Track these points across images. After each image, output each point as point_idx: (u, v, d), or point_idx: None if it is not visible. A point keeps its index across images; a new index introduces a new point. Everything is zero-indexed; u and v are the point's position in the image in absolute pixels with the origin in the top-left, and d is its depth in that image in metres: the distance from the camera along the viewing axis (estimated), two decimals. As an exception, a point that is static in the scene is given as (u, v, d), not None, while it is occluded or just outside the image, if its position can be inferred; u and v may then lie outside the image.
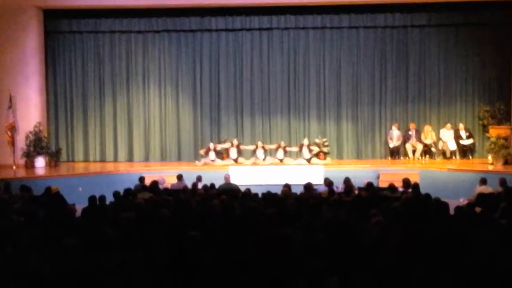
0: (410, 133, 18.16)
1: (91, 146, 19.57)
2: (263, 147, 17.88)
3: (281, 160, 17.62)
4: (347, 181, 12.41)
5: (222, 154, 18.64)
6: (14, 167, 17.48)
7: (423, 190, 11.19)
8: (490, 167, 16.12)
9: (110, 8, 18.53)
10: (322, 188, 12.13)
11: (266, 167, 17.04)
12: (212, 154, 17.79)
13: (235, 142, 18.01)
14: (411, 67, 19.08)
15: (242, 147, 18.15)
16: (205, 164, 17.53)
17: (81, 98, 19.48)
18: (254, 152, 17.95)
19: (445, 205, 8.86)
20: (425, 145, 18.04)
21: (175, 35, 19.44)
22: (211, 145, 17.99)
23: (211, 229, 7.24)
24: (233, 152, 17.81)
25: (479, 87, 18.99)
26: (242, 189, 12.07)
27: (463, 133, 17.99)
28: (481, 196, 11.02)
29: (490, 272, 5.57)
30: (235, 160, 17.67)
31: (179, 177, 13.83)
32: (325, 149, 18.61)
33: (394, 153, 18.41)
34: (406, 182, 11.78)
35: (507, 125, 17.21)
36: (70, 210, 9.49)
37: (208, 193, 11.52)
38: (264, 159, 17.74)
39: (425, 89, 19.08)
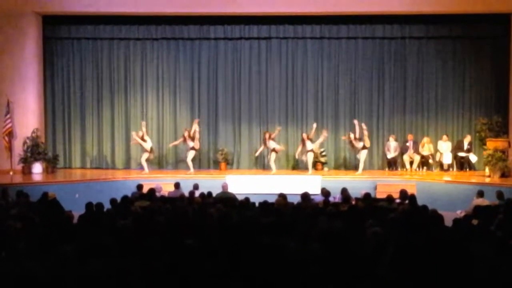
0: (407, 144, 18.18)
1: (88, 152, 19.58)
2: (270, 136, 17.67)
3: (310, 151, 17.46)
4: (344, 191, 12.41)
5: (219, 163, 18.71)
6: (11, 173, 17.46)
7: (420, 202, 11.19)
8: (487, 180, 16.13)
9: (109, 15, 18.56)
10: (319, 198, 12.13)
11: (264, 176, 17.05)
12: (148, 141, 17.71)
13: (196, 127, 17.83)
14: (408, 78, 19.13)
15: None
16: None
17: (79, 105, 19.51)
18: (264, 143, 17.81)
19: (440, 217, 8.85)
20: (423, 157, 18.05)
21: (173, 43, 19.48)
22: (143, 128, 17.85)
23: (207, 238, 7.23)
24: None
25: (476, 100, 19.05)
26: (240, 197, 12.06)
27: (465, 145, 17.98)
28: (478, 209, 11.03)
29: (486, 284, 5.57)
30: (194, 148, 17.55)
31: (176, 185, 13.83)
32: (322, 159, 18.64)
33: (392, 164, 18.45)
34: (403, 194, 11.77)
35: (505, 137, 17.25)
36: (68, 217, 9.46)
37: (205, 201, 11.51)
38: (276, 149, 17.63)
39: (422, 100, 19.14)
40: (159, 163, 19.37)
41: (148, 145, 17.63)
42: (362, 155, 17.43)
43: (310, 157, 17.50)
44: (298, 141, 18.92)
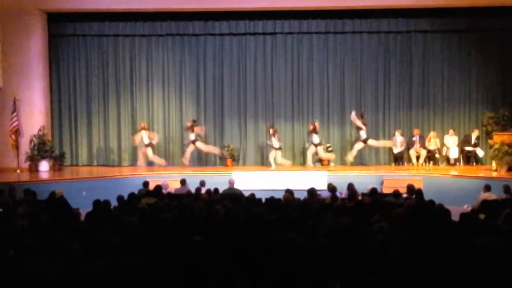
0: (414, 139, 18.15)
1: (95, 150, 19.60)
2: (274, 133, 17.84)
3: (316, 145, 17.77)
4: (350, 186, 12.40)
5: (225, 159, 18.70)
6: (18, 171, 17.52)
7: (426, 196, 11.16)
8: (494, 174, 16.07)
9: (115, 12, 18.57)
10: (326, 194, 12.10)
11: (270, 172, 17.04)
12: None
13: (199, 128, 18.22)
14: (414, 72, 19.09)
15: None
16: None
17: (85, 102, 19.53)
18: (269, 137, 17.97)
19: (447, 212, 8.84)
20: (429, 151, 18.02)
21: (179, 39, 19.47)
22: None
23: (214, 234, 7.24)
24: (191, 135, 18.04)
25: (482, 93, 19.01)
26: (246, 194, 12.07)
27: (473, 139, 17.97)
28: (485, 203, 11.01)
29: (493, 278, 5.56)
30: (193, 142, 17.99)
31: (183, 182, 13.83)
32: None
33: (398, 159, 18.42)
34: (410, 188, 11.75)
35: (511, 131, 17.18)
36: (75, 214, 9.49)
37: (211, 197, 11.52)
38: (279, 147, 17.79)
39: (428, 94, 19.10)
40: (165, 159, 19.30)
41: (146, 140, 17.99)
42: (357, 145, 17.54)
43: (311, 151, 17.71)
44: (304, 136, 18.99)
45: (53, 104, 19.36)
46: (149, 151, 17.98)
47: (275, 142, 17.73)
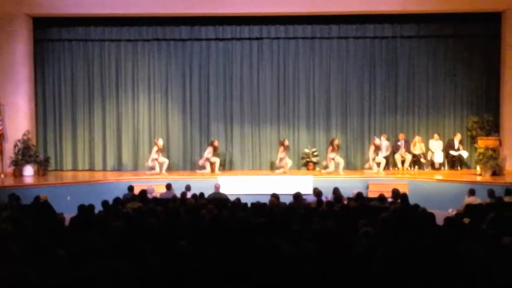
0: (399, 143, 18.21)
1: (79, 154, 19.49)
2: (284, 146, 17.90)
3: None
4: (336, 191, 12.43)
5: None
6: (2, 176, 17.41)
7: (412, 201, 11.23)
8: (479, 178, 16.18)
9: (100, 17, 18.49)
10: (311, 198, 12.13)
11: (256, 177, 17.04)
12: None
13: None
14: (400, 78, 19.16)
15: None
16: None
17: (70, 107, 19.42)
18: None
19: (431, 216, 8.89)
20: (414, 156, 18.09)
21: (165, 44, 19.43)
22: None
23: (200, 239, 7.22)
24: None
25: (467, 98, 19.10)
26: (232, 198, 12.06)
27: (456, 143, 18.06)
28: (469, 207, 11.07)
29: (478, 282, 5.59)
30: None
31: (168, 186, 13.82)
32: (314, 159, 18.66)
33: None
34: (395, 193, 11.80)
35: (496, 136, 17.30)
36: (60, 219, 9.44)
37: (197, 202, 11.50)
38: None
39: (414, 99, 19.18)
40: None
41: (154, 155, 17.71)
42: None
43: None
44: (289, 142, 19.01)
45: (38, 109, 19.23)
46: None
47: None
